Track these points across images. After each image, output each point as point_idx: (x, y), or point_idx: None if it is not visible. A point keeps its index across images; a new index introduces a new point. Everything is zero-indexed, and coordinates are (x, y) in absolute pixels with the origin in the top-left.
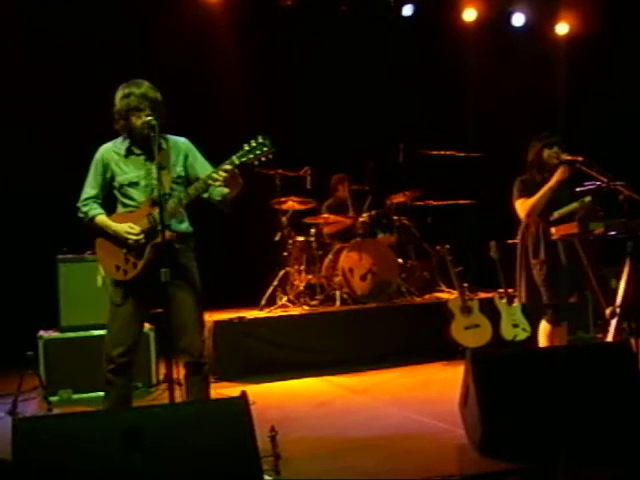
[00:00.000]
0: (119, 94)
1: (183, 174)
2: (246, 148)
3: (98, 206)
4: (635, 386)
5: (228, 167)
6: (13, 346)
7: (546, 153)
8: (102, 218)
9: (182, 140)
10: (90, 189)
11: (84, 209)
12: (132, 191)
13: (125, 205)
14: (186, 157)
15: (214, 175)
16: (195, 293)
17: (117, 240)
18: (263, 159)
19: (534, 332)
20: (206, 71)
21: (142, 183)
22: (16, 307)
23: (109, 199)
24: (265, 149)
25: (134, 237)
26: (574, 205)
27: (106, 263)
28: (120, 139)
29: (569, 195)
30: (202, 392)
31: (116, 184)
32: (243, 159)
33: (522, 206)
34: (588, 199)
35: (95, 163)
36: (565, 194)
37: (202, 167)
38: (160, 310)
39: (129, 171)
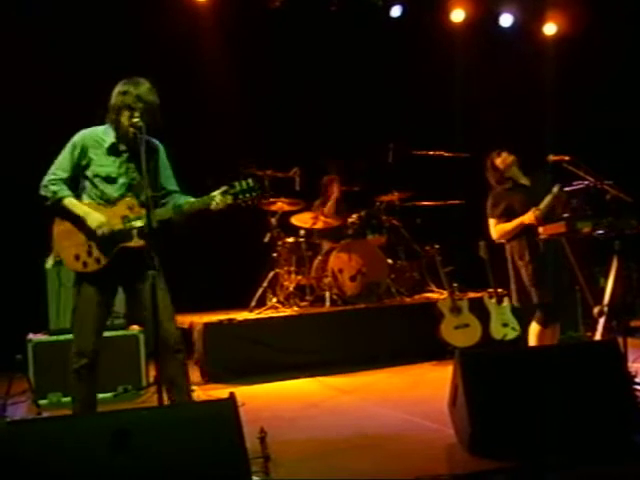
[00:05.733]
0: (117, 89)
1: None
2: (237, 188)
3: (68, 188)
4: (622, 385)
5: (221, 204)
6: (2, 349)
7: (498, 161)
8: (72, 200)
9: (157, 144)
10: (61, 172)
11: (53, 187)
12: (105, 184)
13: (92, 196)
14: (158, 162)
15: (212, 204)
16: (165, 285)
17: (85, 229)
18: (249, 203)
19: (523, 332)
20: (195, 72)
21: (120, 181)
22: (5, 310)
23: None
24: (254, 194)
25: (102, 230)
26: (548, 199)
27: (64, 249)
28: (103, 128)
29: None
30: (183, 378)
31: (89, 173)
32: (234, 198)
33: (494, 228)
34: (556, 189)
35: (72, 146)
36: (544, 193)
37: (167, 176)
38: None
39: (108, 165)
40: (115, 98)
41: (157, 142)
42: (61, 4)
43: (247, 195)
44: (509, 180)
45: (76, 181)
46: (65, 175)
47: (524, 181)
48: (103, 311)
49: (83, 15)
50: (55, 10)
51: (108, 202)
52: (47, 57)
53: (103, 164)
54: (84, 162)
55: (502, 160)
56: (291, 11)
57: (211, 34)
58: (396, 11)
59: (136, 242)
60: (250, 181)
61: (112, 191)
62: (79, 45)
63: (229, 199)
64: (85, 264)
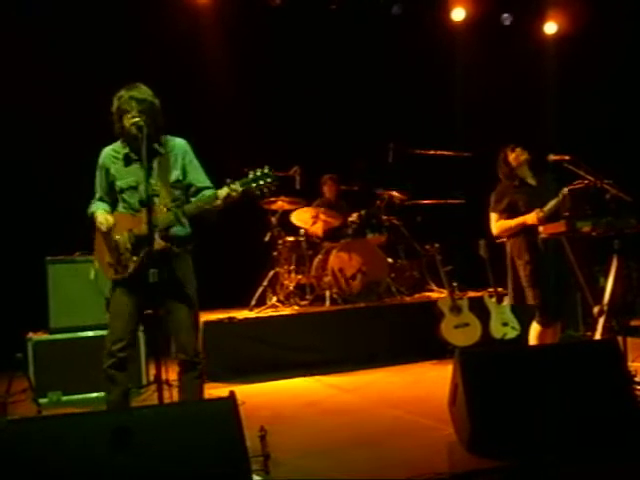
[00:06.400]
0: (114, 98)
1: (181, 178)
2: (251, 177)
3: (101, 202)
4: (621, 384)
5: (234, 194)
6: (2, 348)
7: (511, 157)
8: (97, 212)
9: (181, 142)
10: (96, 192)
11: (90, 206)
12: (129, 195)
13: (124, 207)
14: (183, 159)
15: (219, 196)
16: (190, 294)
17: (112, 239)
18: (265, 190)
19: (524, 331)
20: (196, 71)
21: (141, 188)
22: (5, 309)
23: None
24: (269, 180)
25: (104, 227)
26: (554, 203)
27: (101, 259)
28: (118, 142)
29: (555, 195)
30: (196, 390)
31: (117, 188)
32: (246, 187)
33: (495, 224)
34: (565, 191)
35: (98, 167)
36: (552, 195)
37: (195, 172)
38: (151, 311)
39: (128, 176)
40: (113, 106)
41: (181, 140)
42: (61, 4)
43: (261, 182)
44: (517, 178)
45: (112, 195)
46: (98, 195)
47: (531, 181)
48: (133, 316)
49: (83, 15)
50: (55, 10)
51: (135, 210)
52: (47, 57)
53: (123, 177)
54: (110, 179)
55: (515, 157)
56: (291, 9)
57: (211, 32)
58: (397, 9)
59: (158, 244)
60: (266, 168)
61: (136, 200)
62: (79, 45)
63: (238, 188)
64: (117, 271)
